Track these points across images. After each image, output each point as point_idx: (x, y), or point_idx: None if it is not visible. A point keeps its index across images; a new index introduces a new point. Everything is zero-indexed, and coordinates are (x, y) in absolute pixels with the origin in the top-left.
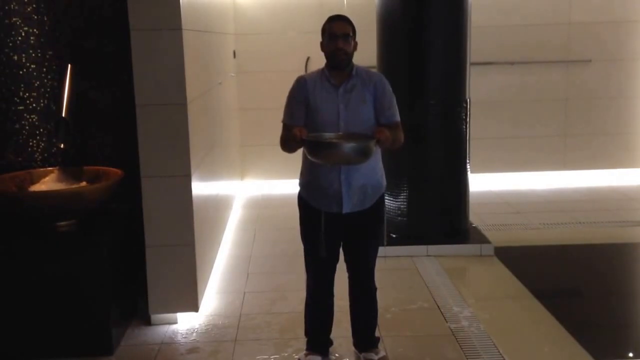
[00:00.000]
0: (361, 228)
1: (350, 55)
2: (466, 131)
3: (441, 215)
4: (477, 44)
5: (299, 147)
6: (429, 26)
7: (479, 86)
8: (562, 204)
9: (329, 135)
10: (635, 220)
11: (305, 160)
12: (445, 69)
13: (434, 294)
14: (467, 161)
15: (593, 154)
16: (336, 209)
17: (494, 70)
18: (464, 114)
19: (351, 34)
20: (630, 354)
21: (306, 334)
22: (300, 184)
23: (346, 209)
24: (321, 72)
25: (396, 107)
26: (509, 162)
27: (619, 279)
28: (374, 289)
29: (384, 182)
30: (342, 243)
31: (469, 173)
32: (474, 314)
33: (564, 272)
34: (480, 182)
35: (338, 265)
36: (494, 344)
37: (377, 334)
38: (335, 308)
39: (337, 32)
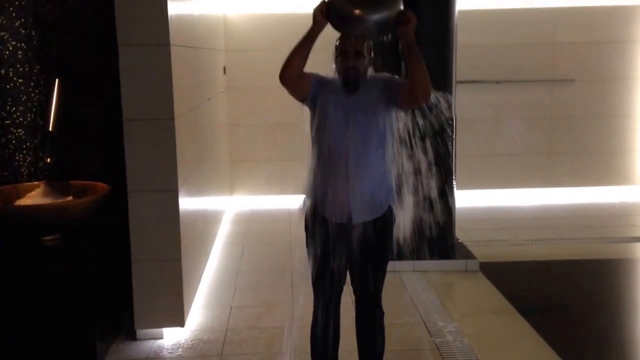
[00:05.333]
0: (369, 243)
1: (364, 73)
2: (452, 148)
3: (427, 231)
4: (464, 63)
5: (311, 43)
6: (417, 43)
7: (465, 104)
8: (546, 221)
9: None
10: (617, 236)
11: (311, 173)
12: (432, 85)
13: (419, 308)
14: (453, 177)
15: (577, 172)
16: (345, 219)
17: (480, 89)
18: (450, 131)
19: (364, 51)
20: None
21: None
22: (308, 197)
23: (356, 219)
24: (335, 78)
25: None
26: (495, 179)
27: (603, 294)
28: (381, 313)
29: (394, 191)
30: (349, 265)
31: (455, 189)
32: (458, 329)
33: (548, 288)
34: (466, 199)
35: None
36: (477, 359)
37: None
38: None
39: (348, 50)
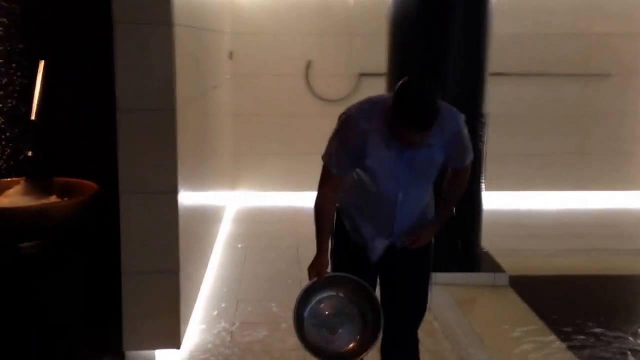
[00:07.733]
0: (408, 257)
1: None
2: (483, 148)
3: (452, 239)
4: (492, 53)
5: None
6: (448, 31)
7: (491, 98)
8: (578, 228)
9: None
10: None
11: (347, 202)
12: (462, 79)
13: (445, 331)
14: (483, 181)
15: (611, 174)
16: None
17: (508, 82)
18: (481, 130)
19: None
20: None
21: None
22: (341, 210)
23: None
24: (384, 121)
25: (470, 148)
26: (521, 181)
27: None
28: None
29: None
30: (380, 279)
31: (483, 193)
32: (491, 358)
33: (588, 306)
34: (491, 201)
35: None
36: None
37: None
38: None
39: (415, 141)
